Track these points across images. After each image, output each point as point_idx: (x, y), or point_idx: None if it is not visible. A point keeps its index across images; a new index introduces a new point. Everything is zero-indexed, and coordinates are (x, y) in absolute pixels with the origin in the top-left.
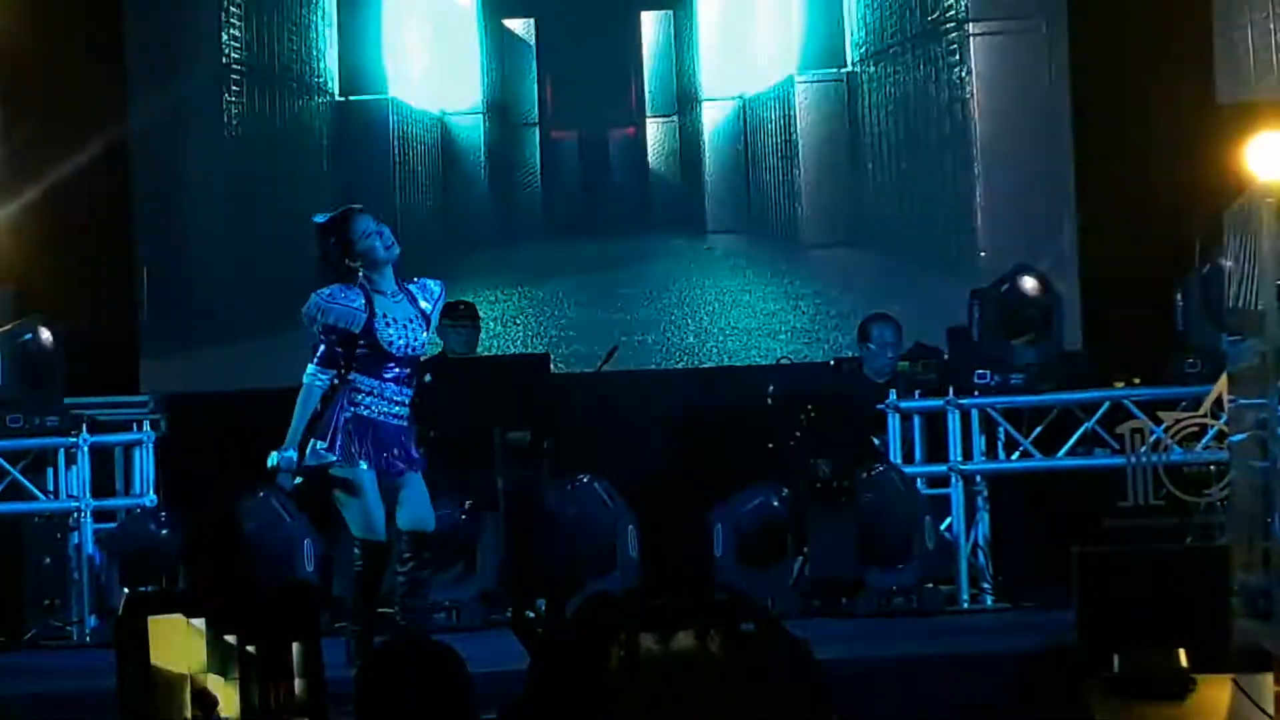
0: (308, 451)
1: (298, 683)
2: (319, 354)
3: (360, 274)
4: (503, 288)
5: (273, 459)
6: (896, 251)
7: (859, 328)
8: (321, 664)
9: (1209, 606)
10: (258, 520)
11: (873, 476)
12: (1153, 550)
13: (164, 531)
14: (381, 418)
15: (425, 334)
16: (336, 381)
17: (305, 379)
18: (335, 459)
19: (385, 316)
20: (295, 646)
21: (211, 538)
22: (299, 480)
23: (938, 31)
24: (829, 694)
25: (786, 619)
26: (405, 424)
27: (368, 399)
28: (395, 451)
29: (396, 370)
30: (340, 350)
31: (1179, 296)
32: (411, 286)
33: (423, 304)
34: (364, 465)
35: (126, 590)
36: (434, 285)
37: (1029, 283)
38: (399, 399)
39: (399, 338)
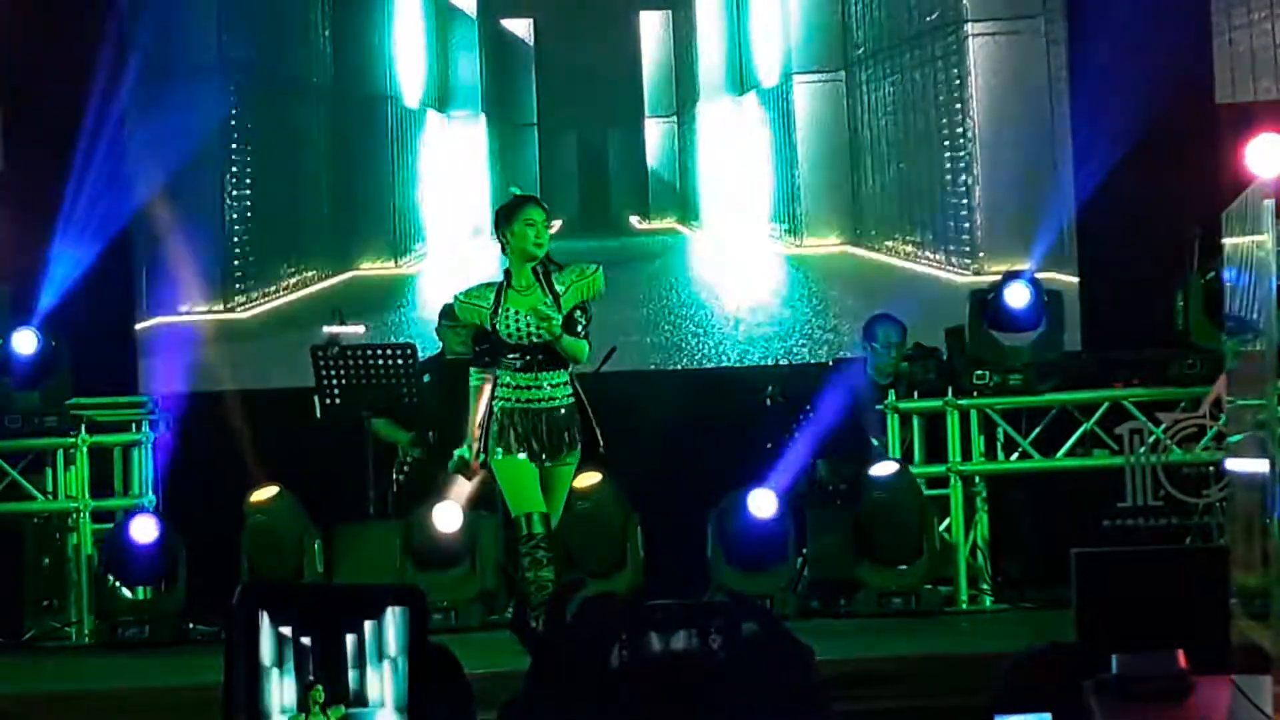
0: (466, 443)
1: (352, 675)
2: (474, 355)
3: (507, 264)
4: None
5: (453, 459)
6: (896, 252)
7: (863, 327)
8: (424, 670)
9: (1208, 607)
10: (267, 518)
11: (881, 476)
12: (1152, 550)
13: (164, 532)
14: (521, 405)
15: (557, 316)
16: (489, 376)
17: (470, 381)
18: (483, 455)
19: (509, 310)
20: (349, 638)
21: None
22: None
23: (937, 31)
24: (828, 695)
25: (786, 619)
26: (548, 407)
27: (504, 390)
28: (537, 437)
29: (521, 358)
30: (481, 347)
31: (1179, 297)
32: (555, 273)
33: (557, 286)
34: (504, 453)
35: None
36: (589, 267)
37: (1021, 291)
38: (532, 384)
39: (515, 326)
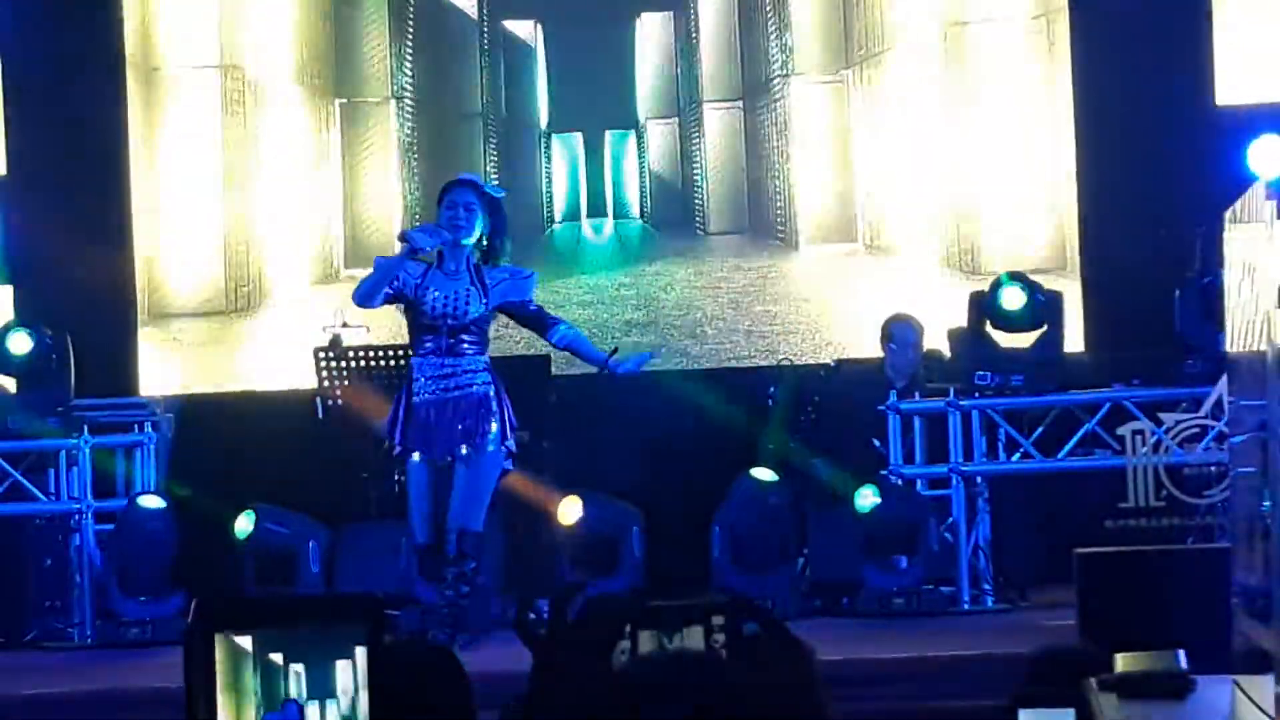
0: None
1: (343, 701)
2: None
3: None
4: None
5: None
6: (896, 251)
7: (881, 327)
8: (385, 681)
9: (1209, 607)
10: (264, 522)
11: (864, 507)
12: (1153, 551)
13: (164, 532)
14: (433, 396)
15: (480, 304)
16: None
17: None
18: (398, 451)
19: (432, 287)
20: (340, 664)
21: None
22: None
23: (937, 32)
24: (829, 695)
25: (787, 619)
26: (465, 395)
27: (416, 383)
28: (448, 430)
29: (436, 341)
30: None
31: (1178, 298)
32: (487, 268)
33: (487, 279)
34: (415, 457)
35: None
36: (523, 270)
37: (1014, 293)
38: (454, 371)
39: (439, 303)
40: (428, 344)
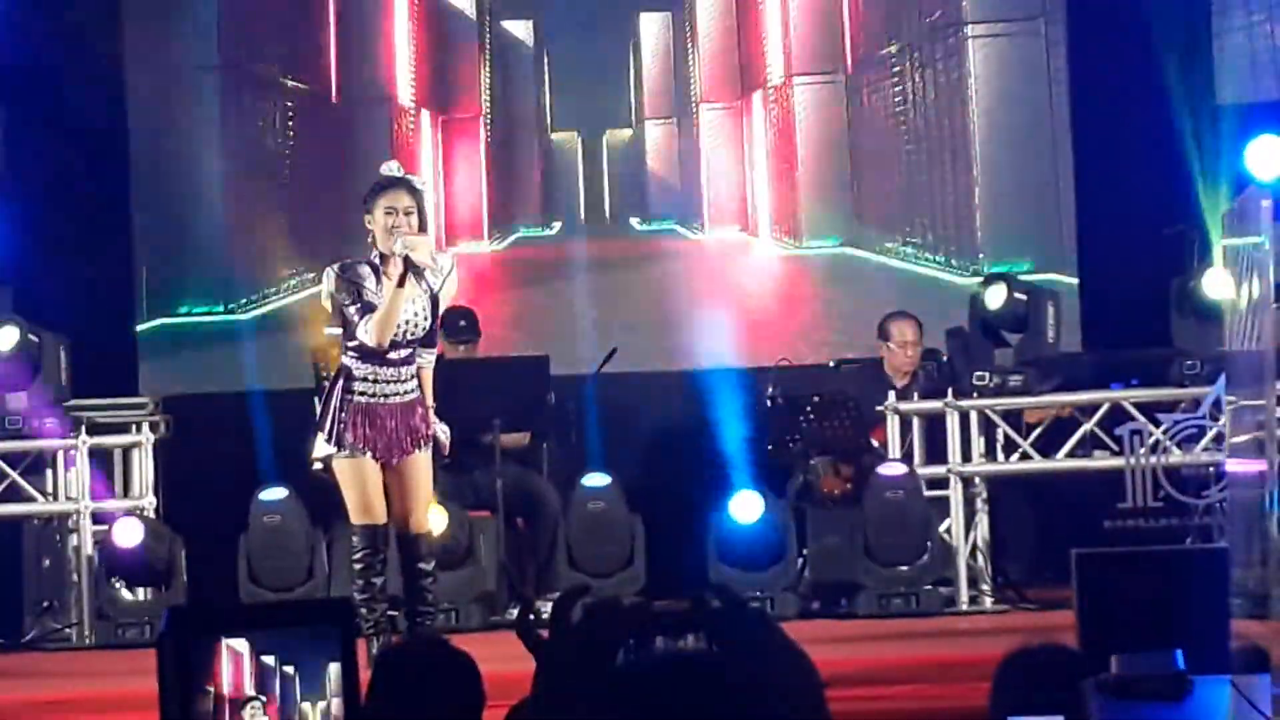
0: (316, 444)
1: (335, 703)
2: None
3: (374, 249)
4: (503, 289)
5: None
6: (896, 253)
7: (878, 326)
8: (358, 685)
9: (1208, 607)
10: (281, 519)
11: (893, 475)
12: (1152, 551)
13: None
14: (381, 401)
15: (429, 318)
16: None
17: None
18: (333, 450)
19: (405, 304)
20: (332, 666)
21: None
22: (319, 467)
23: (937, 32)
24: (826, 696)
25: (786, 620)
26: (409, 400)
27: (364, 384)
28: (397, 433)
29: (394, 354)
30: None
31: (1171, 297)
32: (423, 271)
33: (431, 280)
34: (364, 452)
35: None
36: (444, 260)
37: (998, 293)
38: (398, 379)
39: (410, 322)
40: (389, 354)
